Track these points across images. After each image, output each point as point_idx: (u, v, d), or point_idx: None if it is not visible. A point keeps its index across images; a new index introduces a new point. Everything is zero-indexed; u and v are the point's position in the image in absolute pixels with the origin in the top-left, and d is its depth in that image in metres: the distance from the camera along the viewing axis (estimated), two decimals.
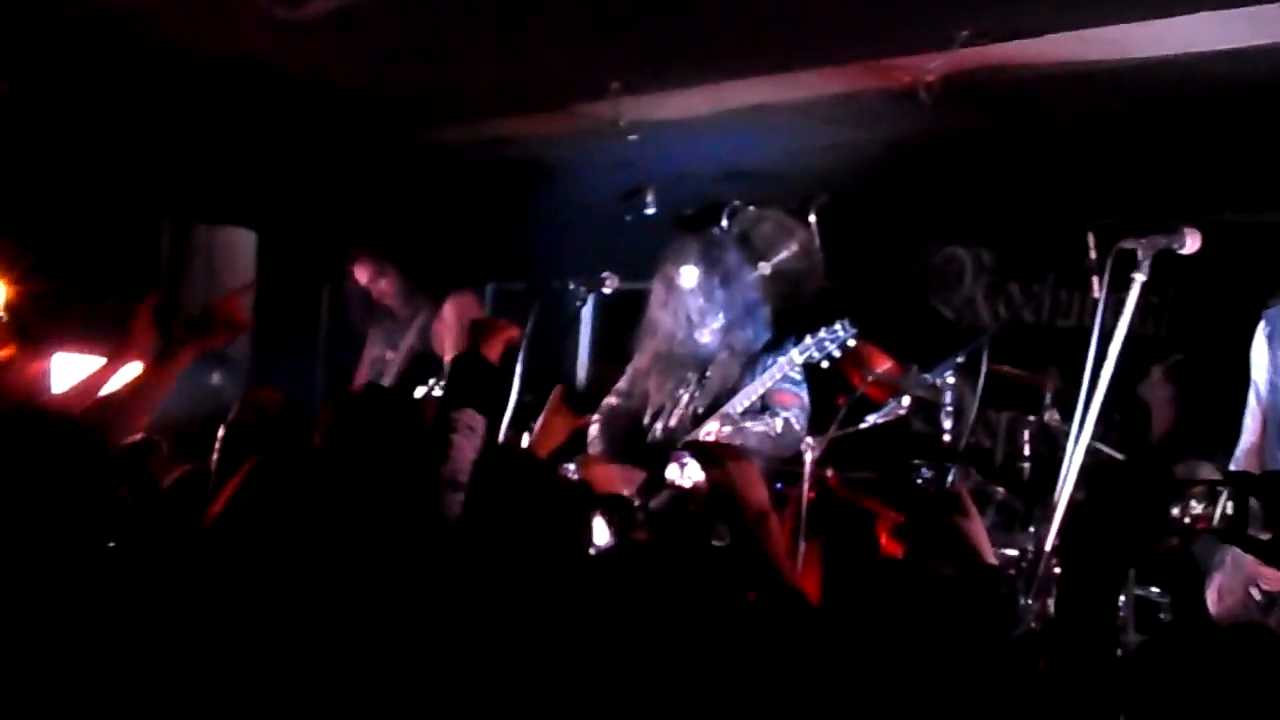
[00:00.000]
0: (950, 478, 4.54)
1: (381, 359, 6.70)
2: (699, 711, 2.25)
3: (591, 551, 3.46)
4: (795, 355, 4.94)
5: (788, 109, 5.74)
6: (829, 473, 5.08)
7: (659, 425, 5.19)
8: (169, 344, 3.64)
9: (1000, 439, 6.57)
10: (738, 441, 4.86)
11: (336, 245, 7.00)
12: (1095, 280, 3.85)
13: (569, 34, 5.18)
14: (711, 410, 5.04)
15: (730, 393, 5.02)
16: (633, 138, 6.06)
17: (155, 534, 3.27)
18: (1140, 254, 3.69)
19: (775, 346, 5.10)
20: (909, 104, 5.20)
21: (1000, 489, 5.07)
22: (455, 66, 5.87)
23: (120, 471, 3.58)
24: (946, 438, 4.88)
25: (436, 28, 5.35)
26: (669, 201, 5.80)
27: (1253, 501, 2.28)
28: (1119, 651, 2.17)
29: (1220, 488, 2.31)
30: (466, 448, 2.82)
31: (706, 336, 5.15)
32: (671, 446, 4.99)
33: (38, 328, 4.76)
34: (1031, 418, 5.20)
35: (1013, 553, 4.69)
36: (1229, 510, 2.28)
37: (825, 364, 4.95)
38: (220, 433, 3.72)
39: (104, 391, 3.68)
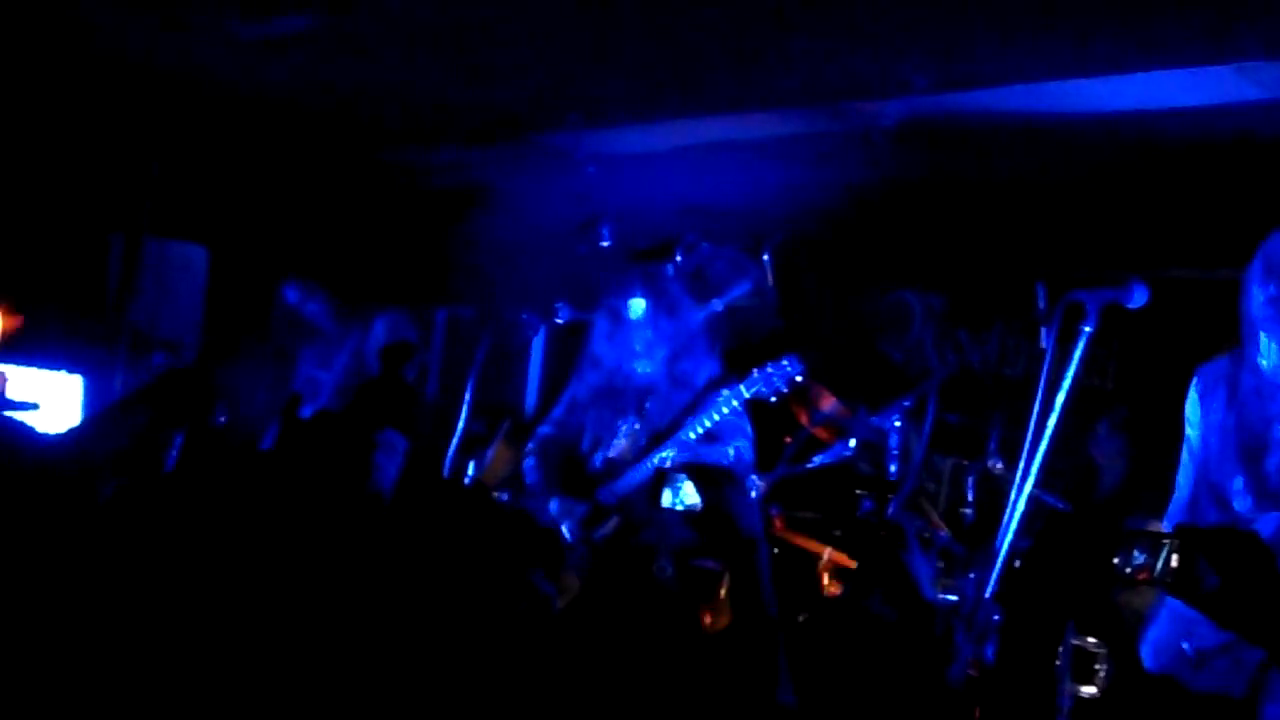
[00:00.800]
0: (891, 512, 4.56)
1: (313, 379, 6.67)
2: None
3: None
4: (743, 390, 4.94)
5: (745, 147, 5.78)
6: (773, 513, 5.10)
7: (598, 456, 5.18)
8: None
9: (944, 483, 6.60)
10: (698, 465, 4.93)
11: (287, 262, 6.96)
12: (1043, 330, 3.89)
13: (530, 64, 5.19)
14: (653, 442, 5.05)
15: (673, 425, 5.03)
16: (590, 169, 6.07)
17: None
18: (1088, 306, 3.73)
19: (723, 382, 5.11)
20: (865, 148, 5.25)
21: (945, 533, 5.09)
22: (414, 90, 5.86)
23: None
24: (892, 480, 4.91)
25: (397, 52, 5.35)
26: (624, 234, 5.80)
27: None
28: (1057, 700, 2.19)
29: (1164, 541, 2.33)
30: (389, 467, 2.81)
31: (649, 367, 5.15)
32: (611, 478, 4.99)
33: None
34: (976, 464, 5.23)
35: (953, 598, 4.71)
36: (1172, 563, 2.30)
37: (773, 399, 4.95)
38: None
39: None
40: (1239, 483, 4.25)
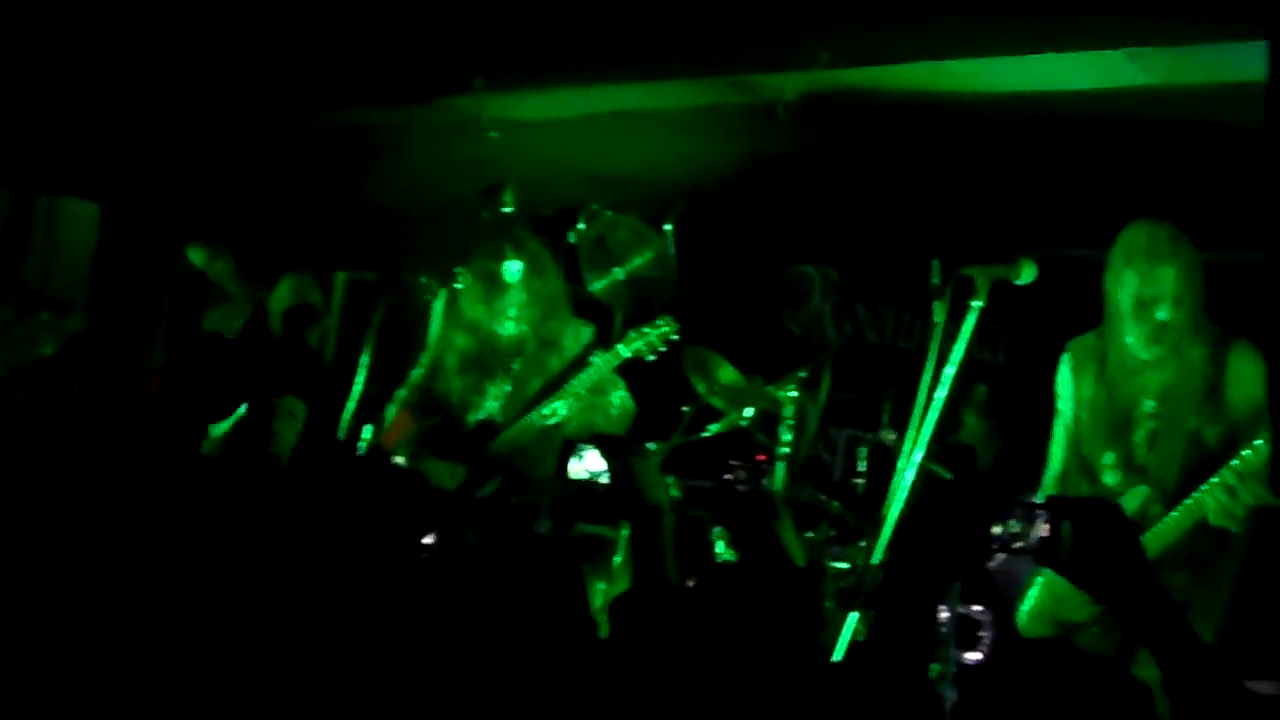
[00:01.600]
0: (765, 482, 4.66)
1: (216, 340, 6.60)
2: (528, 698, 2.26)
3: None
4: (620, 348, 5.04)
5: (650, 117, 5.80)
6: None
7: (469, 417, 5.23)
8: None
9: (839, 454, 6.70)
10: (591, 416, 5.09)
11: (184, 222, 6.87)
12: (936, 305, 3.99)
13: (433, 25, 5.16)
14: (527, 401, 5.13)
15: (551, 383, 5.12)
16: (494, 135, 6.05)
17: None
18: (979, 282, 3.83)
19: (599, 341, 5.22)
20: (769, 121, 5.29)
21: (836, 503, 5.18)
22: (316, 51, 5.80)
23: None
24: (785, 450, 4.98)
25: (298, 9, 5.29)
26: (527, 201, 5.81)
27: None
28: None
29: (1037, 510, 2.40)
30: (287, 432, 2.81)
31: (518, 329, 5.21)
32: (489, 436, 5.06)
33: None
34: (869, 435, 5.33)
35: (843, 565, 4.82)
36: (1043, 532, 2.37)
37: (651, 358, 5.06)
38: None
39: None
40: (1109, 457, 4.40)
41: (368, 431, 4.52)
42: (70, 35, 5.99)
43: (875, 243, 6.55)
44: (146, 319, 8.17)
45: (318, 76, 6.24)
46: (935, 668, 3.94)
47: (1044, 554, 2.36)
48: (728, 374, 5.39)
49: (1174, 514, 4.15)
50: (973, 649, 4.47)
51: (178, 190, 7.64)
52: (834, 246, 6.84)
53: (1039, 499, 4.29)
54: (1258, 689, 2.37)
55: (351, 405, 4.51)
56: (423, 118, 6.43)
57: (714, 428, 5.29)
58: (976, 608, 4.89)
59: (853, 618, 3.62)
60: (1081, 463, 4.46)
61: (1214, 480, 4.03)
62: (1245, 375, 4.17)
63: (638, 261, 5.76)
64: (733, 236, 6.86)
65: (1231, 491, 3.97)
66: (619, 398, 5.21)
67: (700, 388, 5.43)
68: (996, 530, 2.42)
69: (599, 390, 5.13)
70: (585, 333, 5.31)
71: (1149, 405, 4.33)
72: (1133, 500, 4.25)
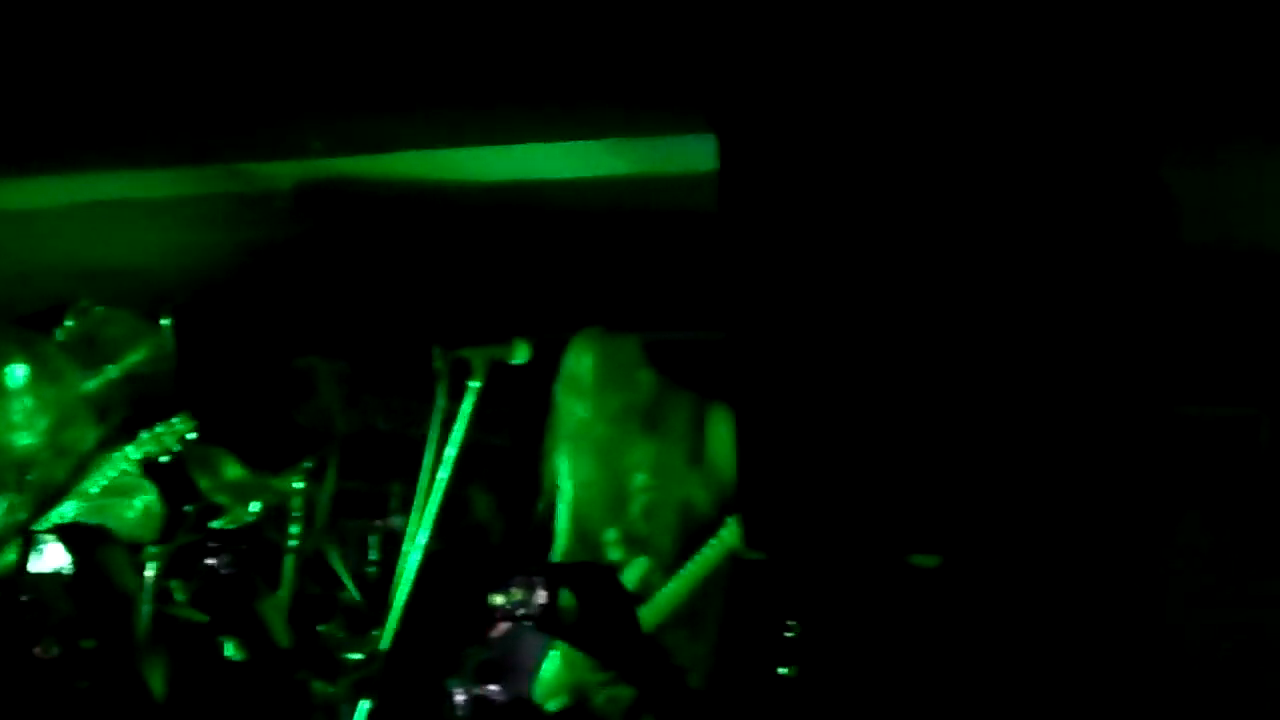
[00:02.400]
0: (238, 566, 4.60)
1: None
2: None
3: None
4: (131, 450, 4.83)
5: (139, 206, 5.60)
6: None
7: None
8: None
9: (352, 547, 6.63)
10: (103, 519, 4.74)
11: None
12: (437, 388, 4.08)
13: None
14: (39, 510, 4.81)
15: (61, 489, 4.83)
16: None
17: None
18: (475, 363, 3.97)
19: (112, 444, 4.98)
20: (264, 210, 5.24)
21: (346, 594, 5.15)
22: None
23: None
24: (294, 543, 4.91)
25: None
26: (7, 299, 5.47)
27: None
28: None
29: (535, 578, 2.47)
30: None
31: (30, 438, 4.92)
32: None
33: None
34: (378, 522, 5.33)
35: (358, 656, 4.77)
36: (542, 599, 2.44)
37: (165, 458, 4.89)
38: None
39: None
40: (610, 534, 4.61)
41: None
42: None
43: (380, 333, 6.58)
44: None
45: None
46: None
47: (544, 620, 2.43)
48: (233, 470, 5.27)
49: (672, 583, 4.39)
50: None
51: None
52: (341, 338, 6.82)
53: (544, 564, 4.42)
54: None
55: None
56: None
57: (219, 523, 5.13)
58: (492, 687, 4.96)
59: (364, 706, 3.60)
60: (584, 538, 4.64)
61: (705, 551, 4.30)
62: (726, 438, 4.48)
63: (134, 358, 5.53)
64: (237, 330, 6.71)
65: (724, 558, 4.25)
66: (143, 501, 4.98)
67: (204, 484, 5.27)
68: (499, 600, 2.47)
69: (120, 492, 4.88)
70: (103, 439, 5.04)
71: (640, 479, 4.57)
72: (634, 572, 4.46)
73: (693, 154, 4.22)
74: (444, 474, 3.81)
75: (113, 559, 2.61)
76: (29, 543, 2.72)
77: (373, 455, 5.90)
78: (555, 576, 2.47)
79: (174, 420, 4.90)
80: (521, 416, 6.25)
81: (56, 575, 2.78)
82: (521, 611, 2.47)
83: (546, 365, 4.58)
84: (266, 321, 6.78)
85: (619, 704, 4.28)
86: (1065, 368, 2.34)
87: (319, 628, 5.07)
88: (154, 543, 4.93)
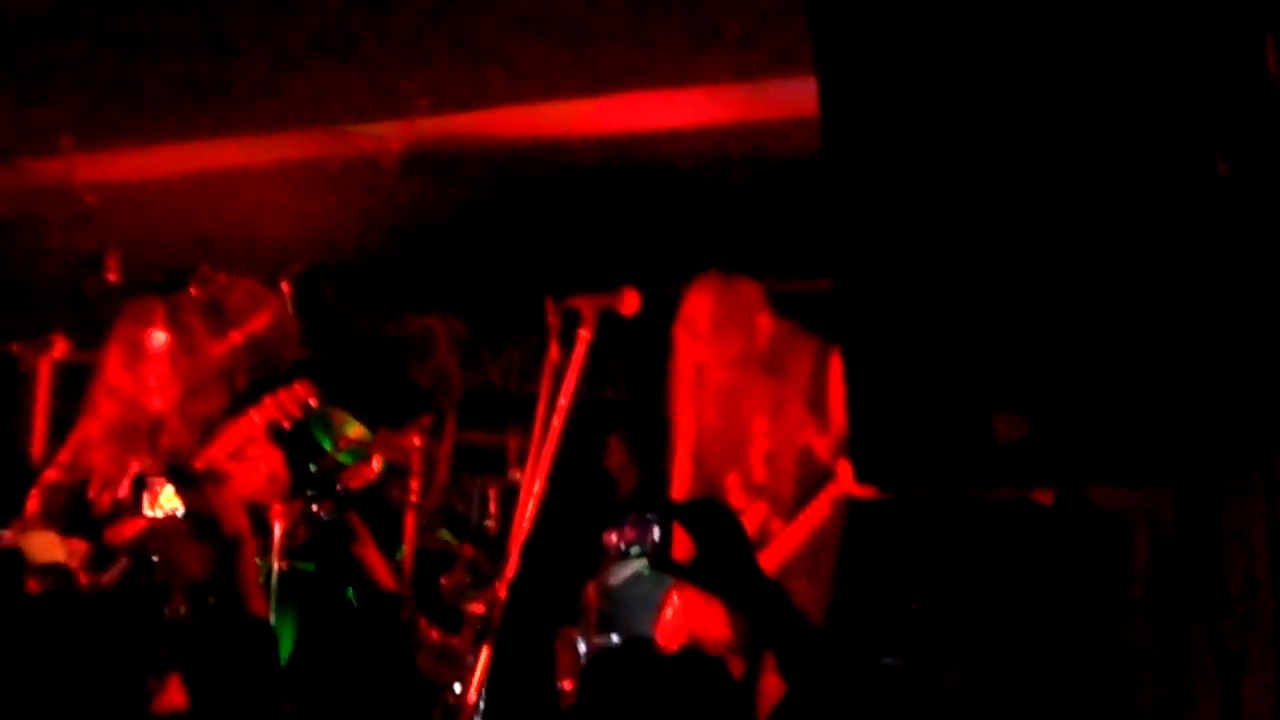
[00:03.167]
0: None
1: None
2: None
3: None
4: (255, 417, 4.91)
5: (253, 173, 5.69)
6: None
7: (107, 495, 4.98)
8: None
9: (475, 503, 6.72)
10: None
11: None
12: (553, 344, 4.10)
13: (15, 81, 4.91)
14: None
15: (189, 456, 4.93)
16: (90, 198, 5.80)
17: None
18: (585, 312, 3.97)
19: (236, 410, 5.07)
20: (375, 172, 5.29)
21: (467, 548, 5.22)
22: None
23: None
24: (413, 497, 4.98)
25: None
26: (134, 267, 5.60)
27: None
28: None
29: (649, 516, 2.47)
30: None
31: (163, 403, 5.03)
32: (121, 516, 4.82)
33: None
34: (498, 477, 5.38)
35: (479, 609, 4.83)
36: (656, 537, 2.44)
37: (287, 423, 4.96)
38: None
39: None
40: (730, 479, 4.59)
41: None
42: None
43: (494, 289, 6.62)
44: None
45: None
46: None
47: (658, 558, 2.42)
48: (353, 428, 5.36)
49: (791, 530, 4.37)
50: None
51: None
52: (454, 296, 6.88)
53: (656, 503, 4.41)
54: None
55: None
56: (9, 182, 6.11)
57: (344, 483, 5.22)
58: (614, 637, 5.00)
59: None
60: (705, 483, 4.63)
61: (824, 498, 4.27)
62: None
63: (256, 324, 5.63)
64: (354, 292, 6.79)
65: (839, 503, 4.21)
66: (268, 466, 5.00)
67: (327, 445, 5.36)
68: (612, 539, 2.47)
69: (246, 457, 4.98)
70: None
71: (760, 425, 4.54)
72: (753, 518, 4.44)
73: (797, 97, 4.18)
74: (557, 422, 3.81)
75: (221, 499, 2.66)
76: (140, 485, 2.77)
77: (491, 411, 5.95)
78: (668, 514, 2.47)
79: (296, 386, 4.97)
80: (643, 369, 6.28)
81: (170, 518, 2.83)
82: (635, 551, 2.47)
83: (658, 318, 4.57)
84: (384, 283, 6.87)
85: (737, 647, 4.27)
86: (1191, 294, 2.26)
87: (440, 580, 5.16)
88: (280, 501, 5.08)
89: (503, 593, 3.72)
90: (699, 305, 4.47)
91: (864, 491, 3.64)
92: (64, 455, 5.17)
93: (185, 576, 4.49)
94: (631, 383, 6.35)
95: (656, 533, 2.44)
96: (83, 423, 5.14)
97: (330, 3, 4.10)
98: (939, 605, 2.62)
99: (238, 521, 2.66)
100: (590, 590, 4.74)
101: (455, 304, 6.83)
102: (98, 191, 5.83)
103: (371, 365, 6.77)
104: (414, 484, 5.02)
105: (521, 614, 2.17)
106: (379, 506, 5.33)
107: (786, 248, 5.04)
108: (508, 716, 2.19)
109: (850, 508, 4.13)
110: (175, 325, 5.05)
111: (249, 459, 5.01)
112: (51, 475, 5.13)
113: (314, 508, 4.81)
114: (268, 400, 4.93)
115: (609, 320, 4.30)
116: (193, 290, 5.60)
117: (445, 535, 5.26)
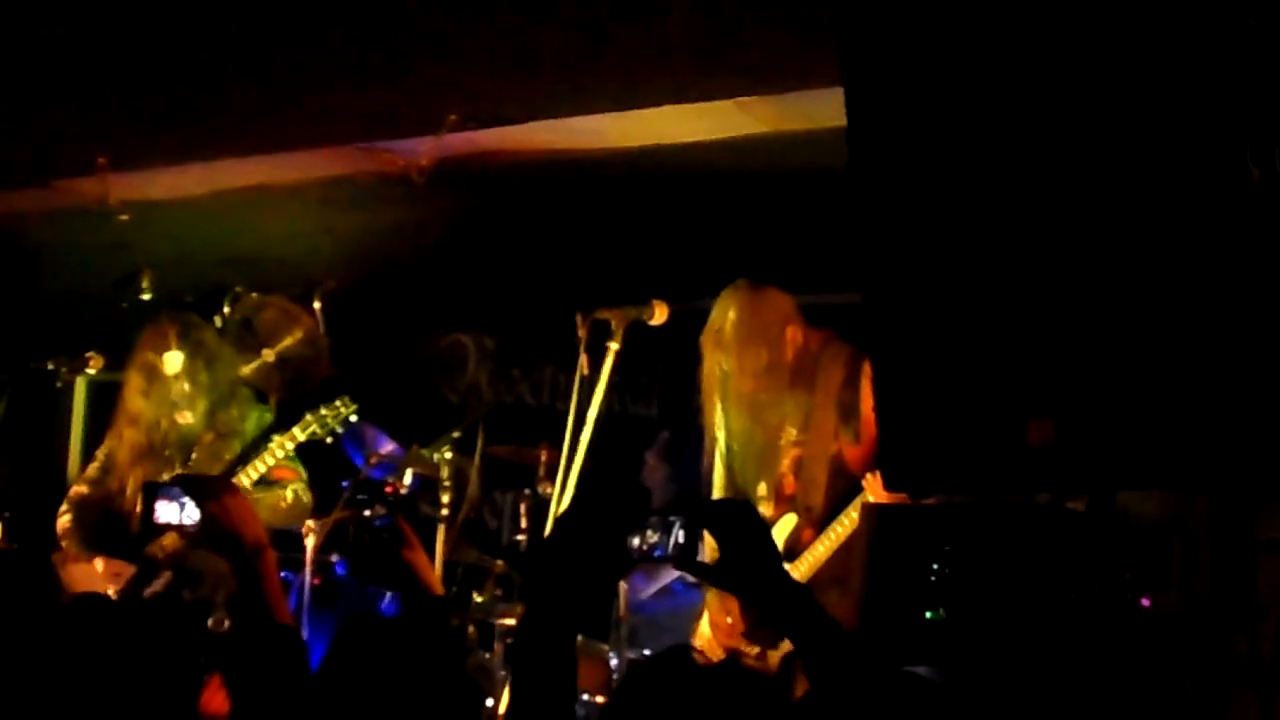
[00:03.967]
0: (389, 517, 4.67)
1: None
2: None
3: None
4: (297, 432, 4.94)
5: (284, 191, 5.72)
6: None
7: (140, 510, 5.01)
8: None
9: (505, 517, 6.73)
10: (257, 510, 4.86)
11: None
12: (582, 357, 4.10)
13: (48, 103, 4.95)
14: None
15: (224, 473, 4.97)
16: (124, 217, 5.84)
17: None
18: (614, 324, 3.97)
19: (275, 427, 5.10)
20: (405, 188, 5.31)
21: (499, 563, 5.24)
22: None
23: None
24: (444, 511, 4.99)
25: None
26: (167, 286, 5.63)
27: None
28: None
29: (673, 518, 2.45)
30: None
31: (189, 419, 5.07)
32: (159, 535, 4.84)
33: None
34: (528, 491, 5.39)
35: (510, 622, 4.85)
36: (680, 539, 2.42)
37: (329, 440, 4.98)
38: None
39: None
40: (762, 488, 4.58)
41: None
42: None
43: (524, 306, 6.63)
44: None
45: None
46: None
47: (682, 560, 2.40)
48: (385, 446, 5.40)
49: (821, 540, 4.35)
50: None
51: None
52: (485, 313, 6.90)
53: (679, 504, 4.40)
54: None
55: None
56: (44, 202, 6.16)
57: (375, 499, 5.24)
58: (646, 651, 4.99)
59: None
60: (737, 492, 4.62)
61: (854, 509, 4.25)
62: None
63: (288, 342, 5.66)
64: (385, 310, 6.83)
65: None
66: (294, 491, 5.10)
67: (358, 461, 5.40)
68: (634, 542, 2.45)
69: (272, 483, 5.01)
70: (267, 417, 5.21)
71: (790, 435, 4.53)
72: (784, 529, 4.43)
73: (824, 109, 4.18)
74: (586, 433, 3.82)
75: (238, 506, 2.65)
76: (152, 494, 2.75)
77: (520, 425, 5.96)
78: (693, 515, 2.45)
79: (337, 402, 5.00)
80: (672, 382, 6.27)
81: (181, 527, 2.81)
82: (660, 553, 2.45)
83: (686, 333, 4.56)
84: (415, 300, 6.89)
85: (769, 663, 4.25)
86: (1216, 313, 2.24)
87: (473, 596, 5.17)
88: (312, 517, 5.11)
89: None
90: (724, 315, 4.46)
91: (894, 499, 3.62)
92: (92, 471, 5.22)
93: (228, 589, 4.53)
94: (663, 396, 6.35)
95: (681, 534, 2.42)
96: (109, 445, 5.19)
97: (359, 21, 4.12)
98: (970, 613, 2.59)
99: (256, 532, 2.66)
100: (621, 605, 4.74)
101: (485, 320, 6.86)
102: (132, 211, 5.88)
103: (403, 382, 6.81)
104: (445, 499, 5.06)
105: (540, 620, 2.15)
106: (410, 521, 5.34)
107: (816, 259, 5.03)
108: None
109: (879, 515, 4.10)
110: (189, 343, 5.10)
111: (275, 484, 5.04)
112: (80, 490, 5.19)
113: (365, 512, 4.82)
114: (308, 416, 4.96)
115: (639, 334, 4.30)
116: (225, 309, 5.64)
117: (475, 552, 5.28)
